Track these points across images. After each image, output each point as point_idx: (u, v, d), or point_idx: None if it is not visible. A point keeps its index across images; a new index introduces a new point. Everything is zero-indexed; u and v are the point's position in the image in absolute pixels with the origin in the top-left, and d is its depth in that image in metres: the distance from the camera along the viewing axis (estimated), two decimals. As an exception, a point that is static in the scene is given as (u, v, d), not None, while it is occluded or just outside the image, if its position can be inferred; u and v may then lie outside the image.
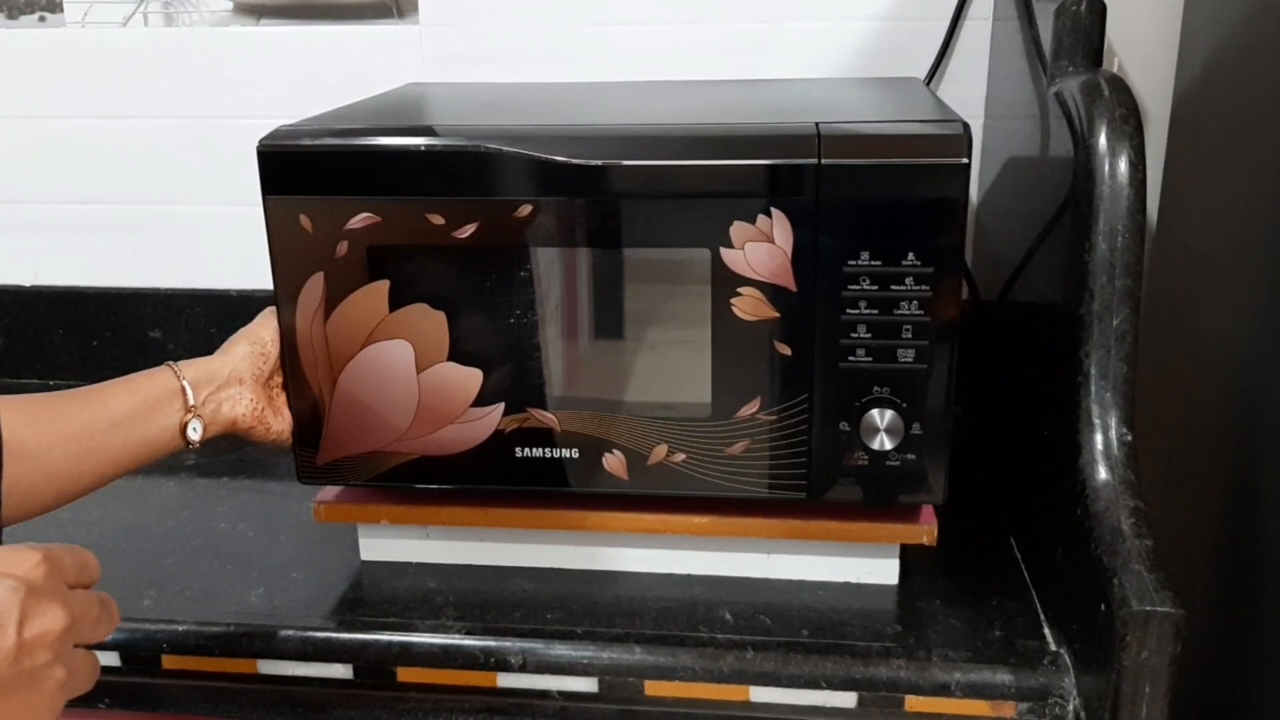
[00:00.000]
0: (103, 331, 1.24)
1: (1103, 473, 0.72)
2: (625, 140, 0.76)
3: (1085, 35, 0.82)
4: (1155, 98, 1.00)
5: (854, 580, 0.84)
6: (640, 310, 0.79)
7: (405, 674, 0.79)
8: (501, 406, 0.81)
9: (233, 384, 0.78)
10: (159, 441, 0.74)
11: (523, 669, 0.78)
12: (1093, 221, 0.73)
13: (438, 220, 0.77)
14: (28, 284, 1.25)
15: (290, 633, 0.80)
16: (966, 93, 1.07)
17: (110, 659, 0.81)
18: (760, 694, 0.77)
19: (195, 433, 0.75)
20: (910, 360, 0.76)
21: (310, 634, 0.80)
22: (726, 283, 0.76)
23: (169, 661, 0.81)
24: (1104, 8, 0.82)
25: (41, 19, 1.17)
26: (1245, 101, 0.83)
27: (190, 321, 1.22)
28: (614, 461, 0.81)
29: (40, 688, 0.45)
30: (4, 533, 0.57)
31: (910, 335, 0.75)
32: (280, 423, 0.81)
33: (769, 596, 0.83)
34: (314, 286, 0.79)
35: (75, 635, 0.47)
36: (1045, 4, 0.86)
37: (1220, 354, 0.86)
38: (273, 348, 0.80)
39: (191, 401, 0.75)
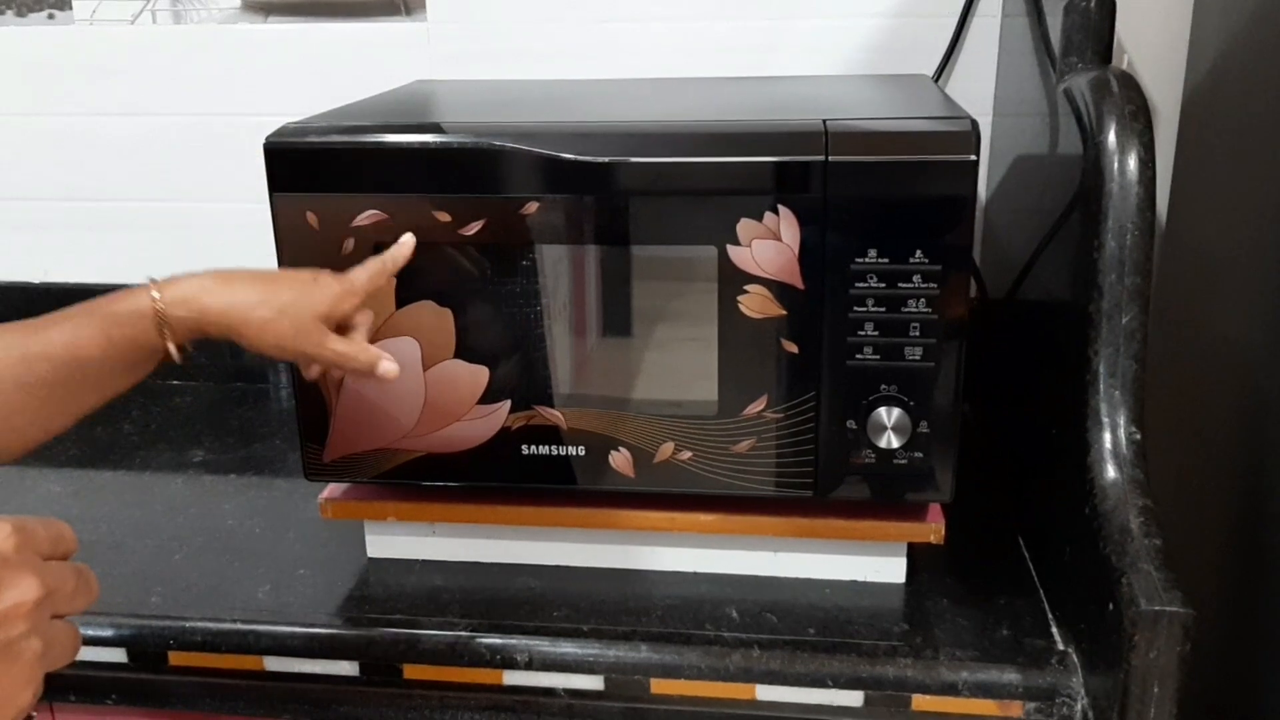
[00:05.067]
0: (111, 328, 1.24)
1: (1111, 471, 0.72)
2: (632, 137, 0.75)
3: (1094, 32, 0.81)
4: (1165, 95, 1.00)
5: (861, 579, 0.84)
6: (647, 308, 0.79)
7: (411, 671, 0.79)
8: (508, 404, 0.81)
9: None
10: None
11: (529, 666, 0.78)
12: (1102, 219, 0.73)
13: (444, 217, 0.77)
14: (37, 281, 1.25)
15: (297, 630, 0.80)
16: (975, 90, 1.07)
17: (117, 655, 0.81)
18: (766, 692, 0.76)
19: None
20: (918, 358, 0.75)
21: (317, 631, 0.80)
22: (733, 280, 0.75)
23: (176, 658, 0.81)
24: (1114, 4, 0.81)
25: (50, 16, 1.17)
26: (1255, 98, 0.83)
27: (198, 319, 1.22)
28: (620, 459, 0.81)
29: (17, 659, 0.45)
30: None
31: (918, 333, 0.75)
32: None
33: (775, 594, 0.83)
34: (321, 283, 0.79)
35: (52, 606, 0.47)
36: (1054, 0, 0.86)
37: (1230, 352, 0.86)
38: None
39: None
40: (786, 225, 0.74)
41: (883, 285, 0.74)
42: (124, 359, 0.68)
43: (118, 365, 0.68)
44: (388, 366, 0.72)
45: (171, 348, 0.69)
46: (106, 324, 0.67)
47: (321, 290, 0.71)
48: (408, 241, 0.76)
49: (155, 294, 0.68)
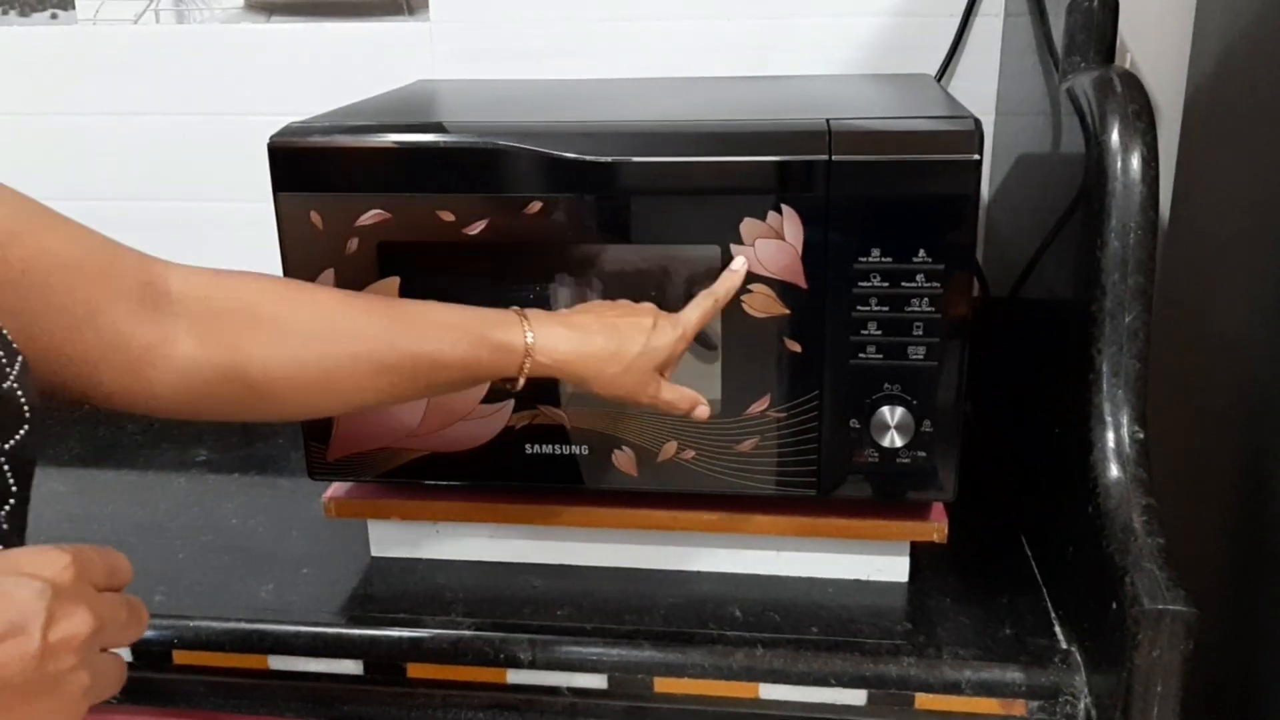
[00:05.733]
0: (114, 328, 1.24)
1: (1114, 470, 0.72)
2: (635, 137, 0.76)
3: (1098, 31, 0.81)
4: (1168, 94, 1.00)
5: (864, 577, 0.84)
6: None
7: (415, 670, 0.80)
8: (511, 403, 0.81)
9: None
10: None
11: (532, 665, 0.78)
12: (1105, 218, 0.73)
13: (448, 217, 0.77)
14: (40, 280, 1.25)
15: (301, 628, 0.80)
16: (978, 89, 1.07)
17: (121, 654, 0.81)
18: (770, 691, 0.76)
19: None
20: (921, 357, 0.75)
21: (321, 630, 0.80)
22: (736, 279, 0.75)
23: (180, 657, 0.81)
24: (1116, 3, 0.81)
25: (54, 16, 1.17)
26: (1258, 97, 0.82)
27: (201, 318, 1.22)
28: (624, 458, 0.81)
29: (63, 693, 0.44)
30: (28, 535, 0.56)
31: (921, 332, 0.75)
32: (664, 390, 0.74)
33: (779, 593, 0.83)
34: (324, 283, 0.79)
35: (102, 639, 0.46)
36: (1058, 0, 0.86)
37: (1233, 351, 0.86)
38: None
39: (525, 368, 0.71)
40: (789, 224, 0.74)
41: (886, 284, 0.74)
42: (473, 376, 0.70)
43: (465, 379, 0.71)
44: (703, 410, 0.75)
45: (521, 382, 0.71)
46: (476, 344, 0.69)
47: (661, 338, 0.73)
48: (739, 269, 0.75)
49: (529, 332, 0.70)
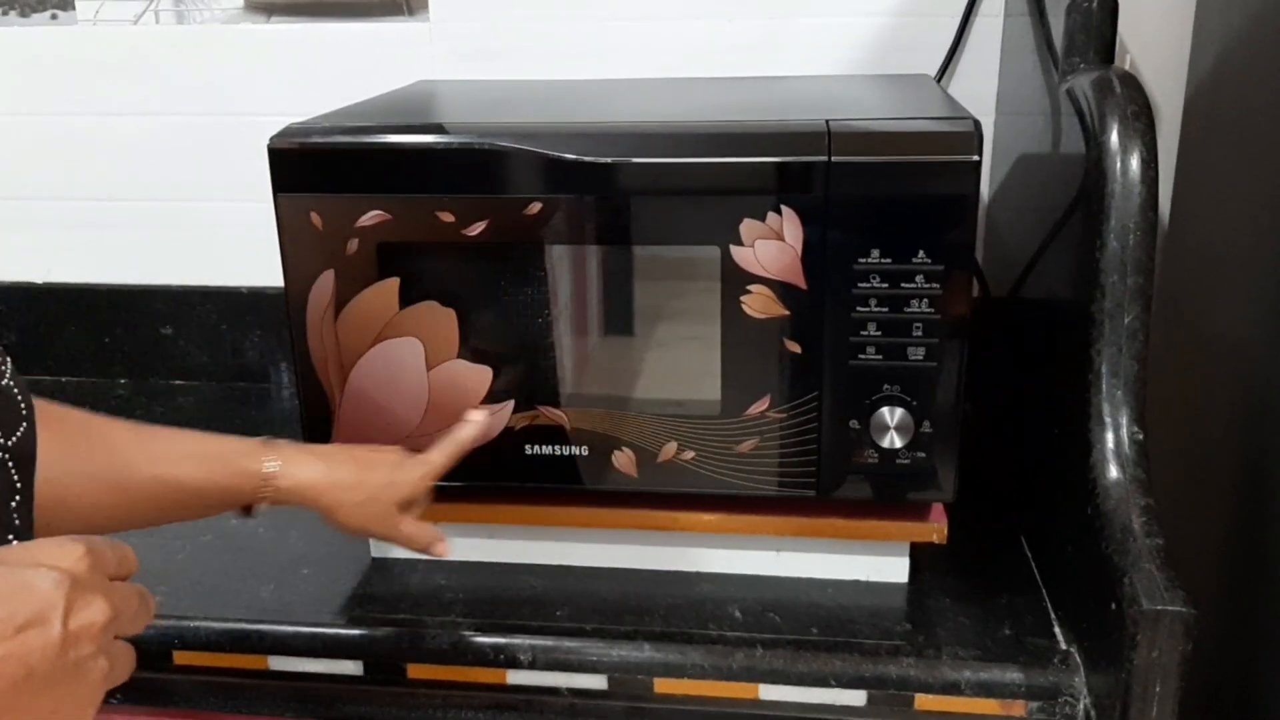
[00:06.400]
0: (114, 328, 1.24)
1: (1113, 471, 0.72)
2: (636, 138, 0.76)
3: (1097, 31, 0.81)
4: (1167, 94, 1.00)
5: (863, 578, 0.84)
6: (650, 307, 0.79)
7: (415, 670, 0.80)
8: (511, 404, 0.81)
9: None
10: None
11: (532, 666, 0.78)
12: (1104, 219, 0.73)
13: (448, 218, 0.77)
14: (40, 281, 1.25)
15: (300, 629, 0.80)
16: (978, 90, 1.07)
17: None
18: (769, 692, 0.76)
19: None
20: (920, 358, 0.75)
21: (320, 630, 0.80)
22: (736, 280, 0.75)
23: (180, 657, 0.81)
24: (1116, 4, 0.81)
25: (54, 17, 1.17)
26: (1258, 98, 0.83)
27: (201, 318, 1.22)
28: (623, 459, 0.81)
29: (84, 679, 0.45)
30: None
31: (920, 333, 0.75)
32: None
33: (778, 594, 0.83)
34: (324, 284, 0.79)
35: (116, 627, 0.47)
36: (1057, 0, 0.86)
37: (1232, 351, 0.86)
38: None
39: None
40: (789, 225, 0.74)
41: (885, 285, 0.74)
42: (214, 500, 0.72)
43: (206, 503, 0.72)
44: (443, 548, 0.77)
45: (261, 507, 0.73)
46: (216, 466, 0.71)
47: (407, 474, 0.75)
48: (477, 418, 0.79)
49: (271, 460, 0.72)
